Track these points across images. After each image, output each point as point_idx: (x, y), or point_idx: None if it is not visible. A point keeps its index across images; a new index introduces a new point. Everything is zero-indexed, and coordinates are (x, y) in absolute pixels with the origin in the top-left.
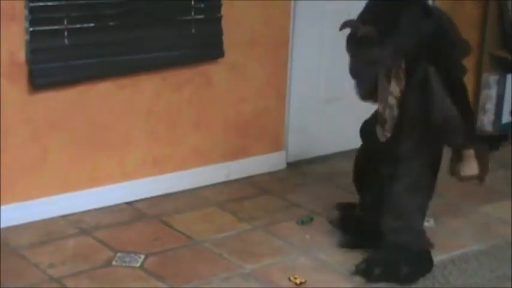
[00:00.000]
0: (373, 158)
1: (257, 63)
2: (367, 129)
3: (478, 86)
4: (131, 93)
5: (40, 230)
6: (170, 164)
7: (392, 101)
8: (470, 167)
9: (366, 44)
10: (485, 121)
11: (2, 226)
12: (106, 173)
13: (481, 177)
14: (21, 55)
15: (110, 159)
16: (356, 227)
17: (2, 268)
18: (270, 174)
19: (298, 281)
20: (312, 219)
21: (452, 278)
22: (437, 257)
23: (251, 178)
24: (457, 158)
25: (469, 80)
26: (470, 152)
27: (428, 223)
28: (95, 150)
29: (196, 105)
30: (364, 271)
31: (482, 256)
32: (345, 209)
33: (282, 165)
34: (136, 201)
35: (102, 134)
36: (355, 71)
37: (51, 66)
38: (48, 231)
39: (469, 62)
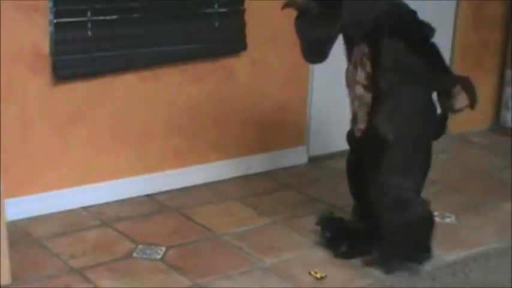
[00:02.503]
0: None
1: (279, 58)
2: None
3: (502, 83)
4: (153, 86)
5: (61, 221)
6: (191, 157)
7: (359, 90)
8: (462, 100)
9: (312, 21)
10: (508, 117)
11: (24, 217)
12: (127, 165)
13: (472, 105)
14: (45, 47)
15: (131, 152)
16: (351, 237)
17: (24, 258)
18: (291, 168)
19: (318, 276)
20: (332, 214)
21: (473, 275)
22: (457, 254)
23: (272, 172)
24: (447, 97)
25: (492, 77)
26: (458, 88)
27: (450, 219)
28: (116, 142)
29: (217, 98)
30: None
31: (504, 253)
32: (331, 224)
33: (303, 159)
34: (156, 193)
35: (124, 127)
36: (306, 53)
37: (74, 58)
38: (70, 223)
39: (492, 60)
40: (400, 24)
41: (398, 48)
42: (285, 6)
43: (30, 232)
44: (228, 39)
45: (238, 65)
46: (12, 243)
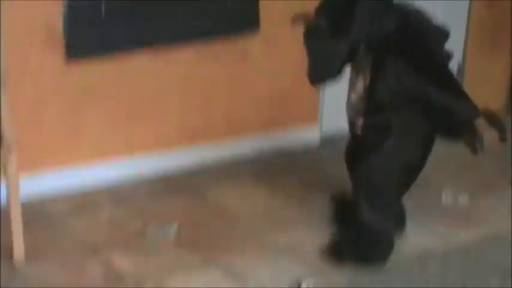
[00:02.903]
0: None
1: (292, 36)
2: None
3: None
4: (166, 65)
5: (75, 199)
6: (204, 135)
7: (355, 98)
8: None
9: (321, 38)
10: None
11: (38, 194)
12: (141, 144)
13: (502, 137)
14: (59, 26)
15: (145, 130)
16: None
17: (38, 235)
18: (304, 147)
19: None
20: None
21: (486, 255)
22: (471, 234)
23: (285, 151)
24: (472, 134)
25: (507, 57)
26: (481, 121)
27: (464, 200)
28: (130, 120)
29: (231, 77)
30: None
31: None
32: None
33: (316, 138)
34: (170, 171)
35: (137, 105)
36: (312, 72)
37: (87, 37)
38: (84, 200)
39: (507, 39)
40: (408, 43)
41: (404, 69)
42: (294, 21)
43: (45, 209)
44: (242, 18)
45: (251, 44)
46: (27, 220)
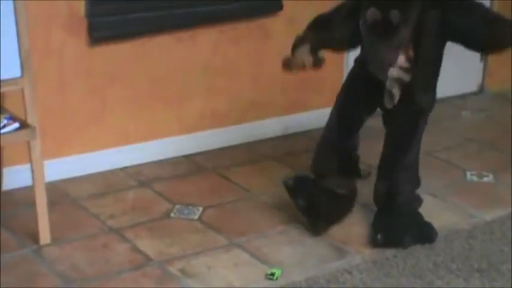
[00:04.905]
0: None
1: None
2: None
3: None
4: (189, 47)
5: (99, 182)
6: (228, 117)
7: (397, 73)
8: None
9: (393, 28)
10: None
11: (63, 178)
12: (164, 126)
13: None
14: (81, 8)
15: (168, 113)
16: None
17: (63, 219)
18: None
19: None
20: (370, 174)
21: (510, 234)
22: (495, 213)
23: (309, 132)
24: None
25: None
26: None
27: (487, 179)
28: (153, 103)
29: (254, 58)
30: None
31: None
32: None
33: None
34: (194, 154)
35: (161, 87)
36: (385, 57)
37: (110, 19)
38: (108, 183)
39: None
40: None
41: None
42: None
43: (69, 193)
44: None
45: (274, 24)
46: (52, 203)
